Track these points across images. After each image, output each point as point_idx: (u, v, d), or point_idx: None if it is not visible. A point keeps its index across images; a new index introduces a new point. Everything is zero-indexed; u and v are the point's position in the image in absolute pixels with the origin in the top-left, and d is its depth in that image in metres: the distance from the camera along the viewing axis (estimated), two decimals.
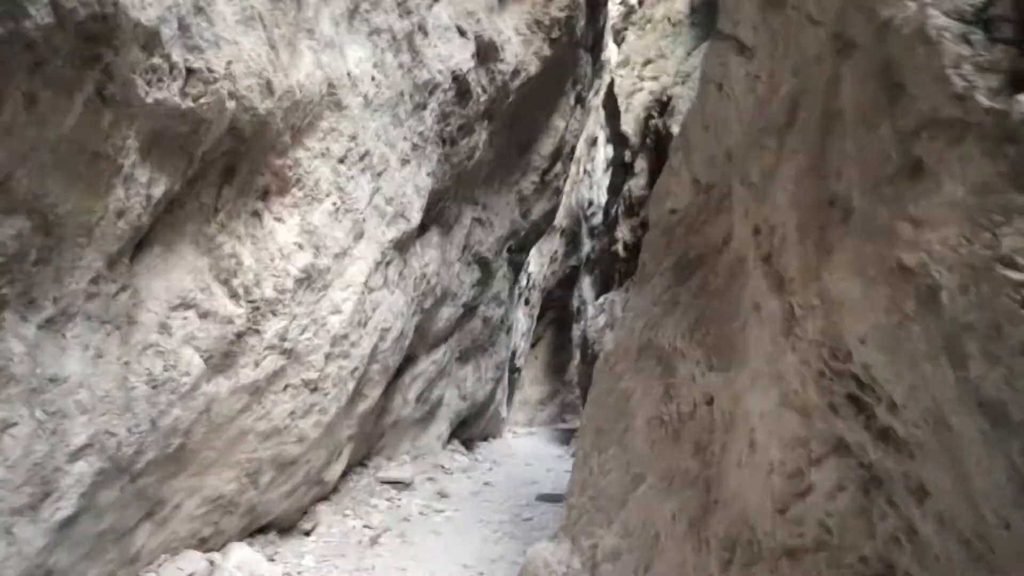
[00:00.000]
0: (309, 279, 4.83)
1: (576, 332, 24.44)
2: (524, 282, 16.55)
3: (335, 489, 6.99)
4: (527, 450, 14.75)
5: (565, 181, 13.69)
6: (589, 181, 24.61)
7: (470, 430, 12.88)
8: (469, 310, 10.47)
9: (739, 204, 3.51)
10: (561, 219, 20.31)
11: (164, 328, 3.64)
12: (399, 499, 7.68)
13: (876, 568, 2.14)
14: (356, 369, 5.90)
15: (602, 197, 24.66)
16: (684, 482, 3.19)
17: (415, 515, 7.28)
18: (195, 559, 4.38)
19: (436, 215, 8.03)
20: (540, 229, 13.19)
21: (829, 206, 2.21)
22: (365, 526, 6.55)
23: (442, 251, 8.38)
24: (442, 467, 9.99)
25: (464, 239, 9.34)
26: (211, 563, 4.48)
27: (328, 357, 5.29)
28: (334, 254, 5.11)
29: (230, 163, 4.00)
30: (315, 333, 5.05)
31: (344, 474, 7.17)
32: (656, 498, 3.35)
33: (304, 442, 5.34)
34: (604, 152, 25.18)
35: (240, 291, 4.19)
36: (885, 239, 1.84)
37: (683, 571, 2.86)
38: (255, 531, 5.44)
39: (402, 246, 6.71)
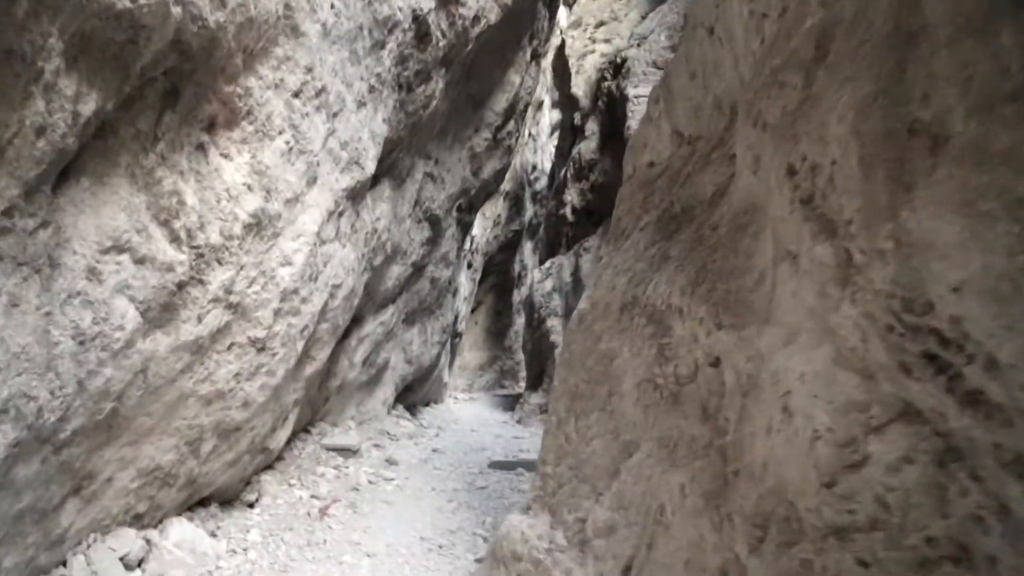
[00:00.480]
0: (259, 225, 4.32)
1: (517, 297, 24.26)
2: (467, 245, 16.14)
3: (280, 457, 6.53)
4: (471, 416, 14.51)
5: (517, 140, 13.26)
6: (534, 145, 24.28)
7: (414, 395, 12.50)
8: (417, 270, 10.01)
9: (748, 150, 3.21)
10: (505, 182, 20.01)
11: (93, 274, 3.11)
12: (346, 467, 7.28)
13: (946, 550, 1.87)
14: (306, 328, 5.42)
15: (546, 162, 24.44)
16: (691, 451, 2.90)
17: (364, 484, 6.90)
18: (129, 538, 3.89)
19: (389, 167, 7.52)
20: (490, 189, 12.76)
21: (909, 135, 1.90)
22: (312, 496, 6.14)
23: (393, 205, 7.88)
24: (388, 433, 9.61)
25: (416, 194, 8.85)
26: (147, 541, 4.00)
27: (277, 313, 4.80)
28: (286, 199, 4.60)
29: (173, 84, 3.44)
30: (263, 286, 4.55)
31: (288, 441, 6.71)
32: (657, 468, 3.06)
33: (249, 407, 4.86)
34: (549, 116, 24.86)
35: (182, 235, 3.66)
36: (1007, 167, 1.54)
37: (699, 550, 2.57)
38: (194, 504, 4.96)
39: (355, 196, 6.21)
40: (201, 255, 3.83)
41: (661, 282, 3.74)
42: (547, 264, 15.48)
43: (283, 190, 4.52)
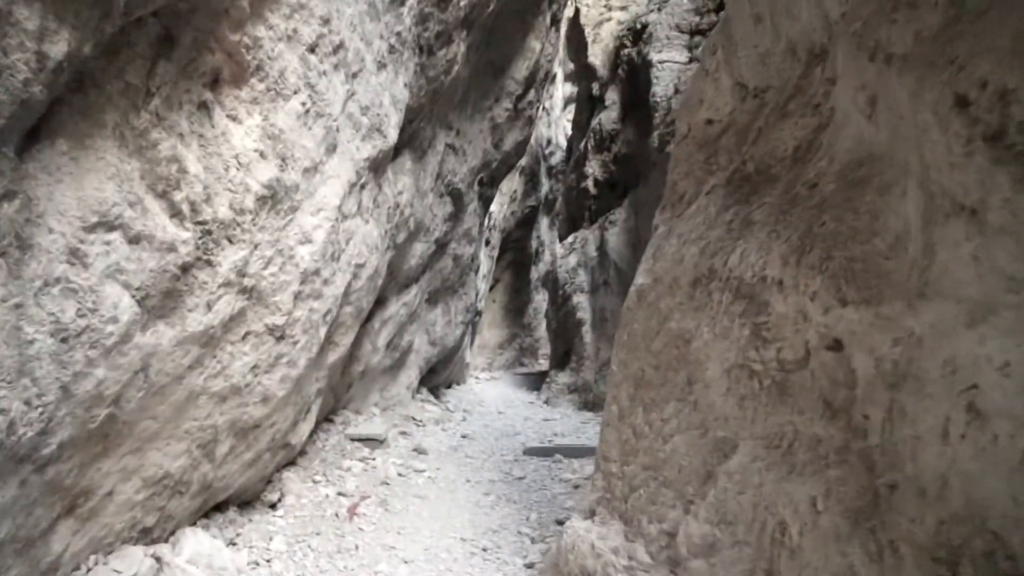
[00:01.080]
0: (274, 198, 3.77)
1: (535, 274, 23.71)
2: (486, 222, 15.54)
3: (302, 452, 6.04)
4: (495, 397, 14.03)
5: (538, 110, 12.61)
6: (548, 119, 23.58)
7: (437, 377, 12.01)
8: (440, 247, 9.47)
9: (859, 91, 2.66)
10: None
11: (76, 256, 2.57)
12: (373, 459, 6.79)
13: None
14: (329, 312, 4.89)
15: (561, 136, 23.75)
16: (818, 455, 2.35)
17: (394, 477, 6.41)
18: (135, 557, 3.39)
19: (410, 137, 6.95)
20: (511, 162, 12.16)
21: None
22: (339, 494, 5.65)
23: (415, 179, 7.32)
24: (414, 419, 9.14)
25: (438, 167, 8.27)
26: (157, 560, 3.50)
27: (297, 297, 4.27)
28: (303, 168, 4.04)
29: (167, 28, 2.87)
30: (281, 267, 4.01)
31: (311, 434, 6.21)
32: (768, 475, 2.51)
33: (269, 402, 4.35)
34: (562, 89, 24.11)
35: (185, 209, 3.11)
36: None
37: None
38: (210, 510, 4.47)
39: (377, 167, 5.65)
40: (208, 232, 3.29)
41: (749, 251, 3.19)
42: (570, 239, 14.88)
43: (300, 158, 3.96)
